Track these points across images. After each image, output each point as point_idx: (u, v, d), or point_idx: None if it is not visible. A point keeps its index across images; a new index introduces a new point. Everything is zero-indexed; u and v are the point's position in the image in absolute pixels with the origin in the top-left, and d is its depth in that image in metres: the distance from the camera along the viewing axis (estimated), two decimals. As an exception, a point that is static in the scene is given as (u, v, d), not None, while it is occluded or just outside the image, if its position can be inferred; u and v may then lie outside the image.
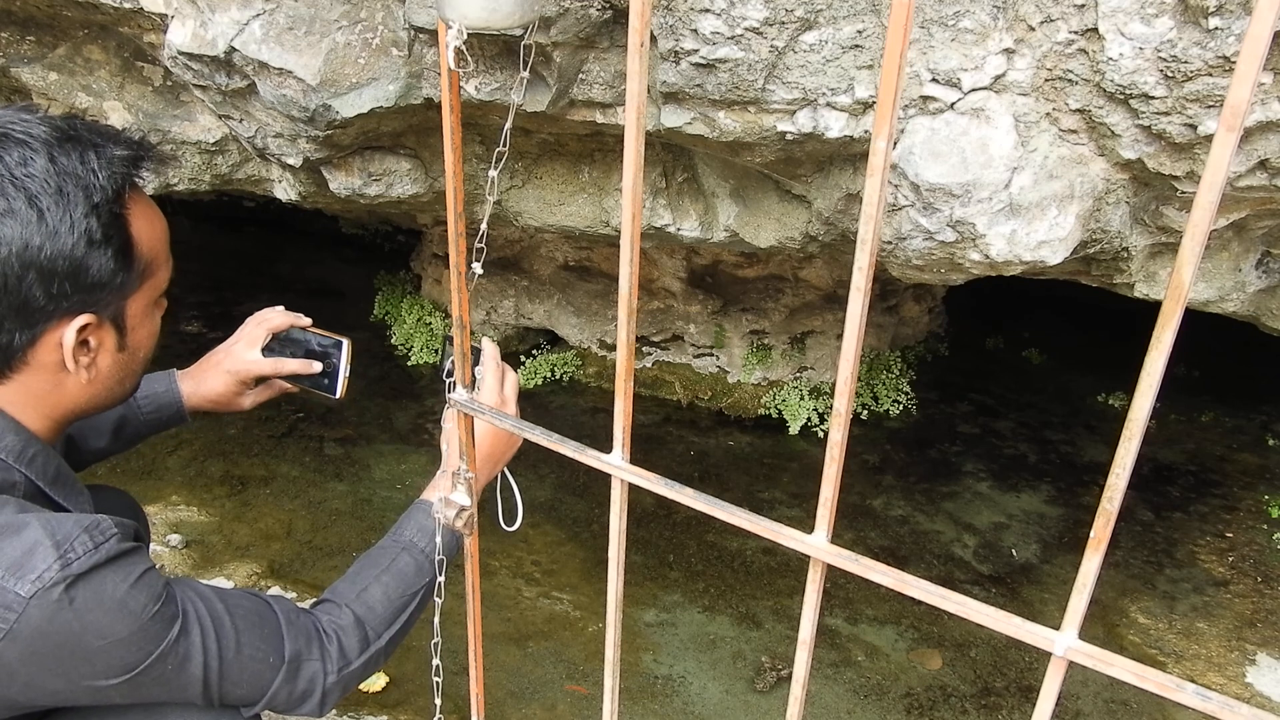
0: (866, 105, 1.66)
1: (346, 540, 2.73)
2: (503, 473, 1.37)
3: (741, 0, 1.53)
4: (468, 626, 1.11)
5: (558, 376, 3.76)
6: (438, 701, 1.27)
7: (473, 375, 1.30)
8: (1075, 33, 1.52)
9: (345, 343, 1.46)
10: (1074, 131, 1.66)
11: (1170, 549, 2.92)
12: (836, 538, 0.73)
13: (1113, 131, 1.61)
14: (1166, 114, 1.54)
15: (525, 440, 1.01)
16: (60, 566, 0.91)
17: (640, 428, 3.42)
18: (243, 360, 1.45)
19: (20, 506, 0.97)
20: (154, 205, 1.08)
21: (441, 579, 1.20)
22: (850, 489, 3.13)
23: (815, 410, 3.52)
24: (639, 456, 0.80)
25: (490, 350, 1.32)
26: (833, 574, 0.86)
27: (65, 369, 1.02)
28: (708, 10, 1.55)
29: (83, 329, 1.01)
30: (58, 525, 0.94)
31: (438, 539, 1.17)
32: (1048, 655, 0.67)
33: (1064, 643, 0.66)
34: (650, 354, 3.69)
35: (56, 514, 0.98)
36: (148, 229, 1.05)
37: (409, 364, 3.81)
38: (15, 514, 0.95)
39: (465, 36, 0.90)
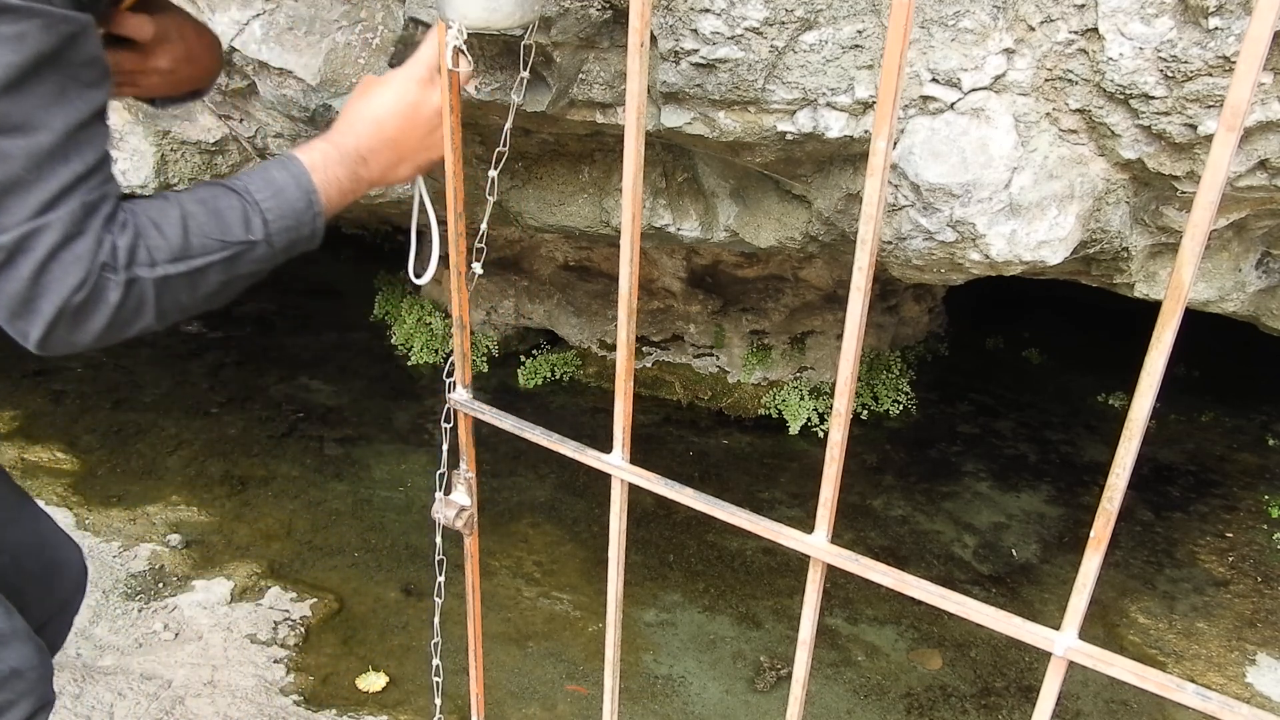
0: (866, 105, 1.66)
1: (346, 540, 2.73)
2: (417, 189, 1.10)
3: (741, 0, 1.53)
4: (468, 626, 1.12)
5: (558, 376, 3.76)
6: (438, 701, 1.27)
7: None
8: (1075, 33, 1.52)
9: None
10: (1074, 131, 1.66)
11: (1170, 549, 2.92)
12: (836, 538, 0.73)
13: (1113, 131, 1.61)
14: (1166, 114, 1.54)
15: (526, 440, 1.01)
16: None
17: (640, 428, 3.41)
18: None
19: None
20: None
21: (441, 579, 1.19)
22: (850, 489, 3.13)
23: (815, 410, 3.51)
24: (639, 456, 0.80)
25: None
26: (833, 574, 0.86)
27: None
28: (708, 10, 1.55)
29: None
30: None
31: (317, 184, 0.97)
32: (1048, 655, 0.67)
33: (1064, 643, 0.66)
34: (650, 354, 3.69)
35: None
36: None
37: (409, 364, 3.81)
38: None
39: (465, 36, 0.90)
